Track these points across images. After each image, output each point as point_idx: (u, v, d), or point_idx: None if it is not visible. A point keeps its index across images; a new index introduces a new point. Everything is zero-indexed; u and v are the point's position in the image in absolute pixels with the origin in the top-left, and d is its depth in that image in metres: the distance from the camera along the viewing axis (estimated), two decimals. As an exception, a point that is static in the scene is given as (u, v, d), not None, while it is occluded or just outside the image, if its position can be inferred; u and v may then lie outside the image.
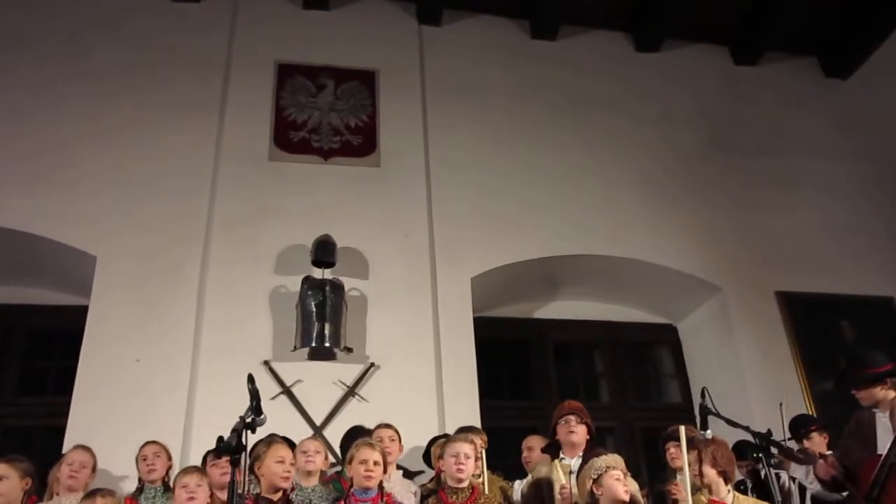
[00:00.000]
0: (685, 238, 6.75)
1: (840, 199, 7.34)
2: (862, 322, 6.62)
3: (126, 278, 5.55)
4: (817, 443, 4.77)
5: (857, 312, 6.67)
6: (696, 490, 3.77)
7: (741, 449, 4.41)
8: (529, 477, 4.31)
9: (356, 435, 4.60)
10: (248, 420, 2.99)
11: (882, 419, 3.91)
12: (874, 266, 6.98)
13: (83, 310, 5.48)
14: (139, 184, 5.93)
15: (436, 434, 4.87)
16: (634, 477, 4.00)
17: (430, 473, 4.58)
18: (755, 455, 3.64)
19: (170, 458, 4.39)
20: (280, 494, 3.53)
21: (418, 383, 5.55)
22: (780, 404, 4.97)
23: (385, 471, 3.70)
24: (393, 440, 4.43)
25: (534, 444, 4.65)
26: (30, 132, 6.00)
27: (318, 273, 5.72)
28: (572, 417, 4.14)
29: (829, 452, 4.40)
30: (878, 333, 6.44)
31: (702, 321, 6.94)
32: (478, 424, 5.09)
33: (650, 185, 6.94)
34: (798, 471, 4.50)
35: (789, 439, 4.82)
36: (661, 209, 6.84)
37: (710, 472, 3.59)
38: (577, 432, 4.10)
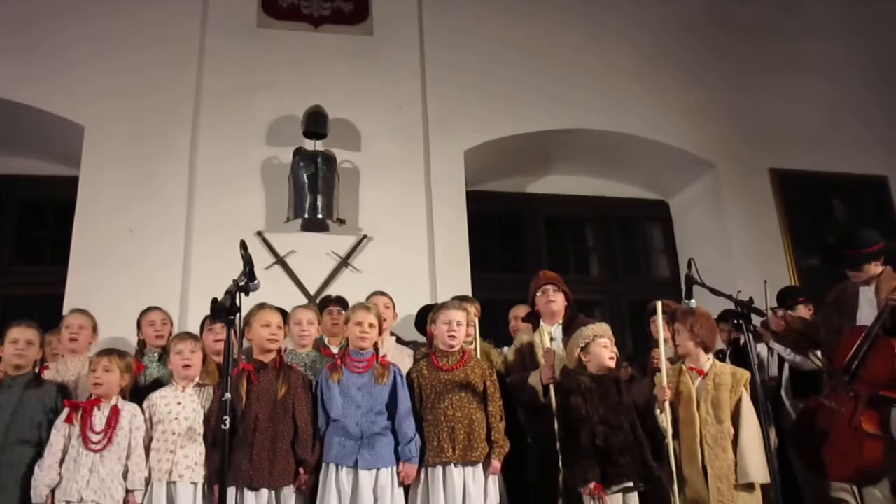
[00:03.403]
0: (680, 115, 6.65)
1: (836, 78, 7.13)
2: (854, 200, 6.66)
3: (115, 148, 5.51)
4: (802, 314, 4.80)
5: (850, 191, 6.69)
6: (677, 360, 3.91)
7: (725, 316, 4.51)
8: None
9: (327, 304, 4.72)
10: (242, 283, 3.04)
11: (867, 293, 3.95)
12: (869, 145, 6.92)
13: (74, 180, 5.47)
14: (125, 54, 5.79)
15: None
16: (620, 348, 4.13)
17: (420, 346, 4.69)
18: (735, 322, 3.73)
19: (172, 326, 4.51)
20: (273, 356, 3.63)
21: (411, 255, 5.63)
22: (765, 282, 5.04)
23: (380, 334, 3.81)
24: (388, 307, 4.53)
25: (520, 314, 4.76)
26: (12, 1, 5.78)
27: (309, 144, 5.68)
28: (549, 287, 4.21)
29: (781, 310, 4.45)
30: (870, 212, 6.49)
31: (694, 197, 6.95)
32: (470, 295, 5.17)
33: (646, 61, 6.76)
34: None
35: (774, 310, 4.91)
36: (657, 86, 6.70)
37: (688, 344, 3.76)
38: (556, 301, 4.17)
